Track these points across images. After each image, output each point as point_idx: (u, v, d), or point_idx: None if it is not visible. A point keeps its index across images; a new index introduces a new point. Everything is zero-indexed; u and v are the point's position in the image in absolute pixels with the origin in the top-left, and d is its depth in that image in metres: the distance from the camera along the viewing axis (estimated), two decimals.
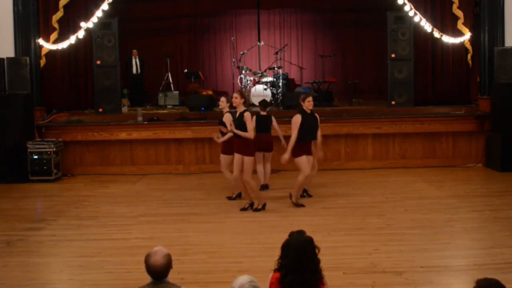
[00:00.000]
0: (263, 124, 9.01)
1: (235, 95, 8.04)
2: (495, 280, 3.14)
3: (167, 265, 3.59)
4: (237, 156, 7.99)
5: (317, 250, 3.56)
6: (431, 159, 11.46)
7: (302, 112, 8.07)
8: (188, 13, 15.42)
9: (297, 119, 8.02)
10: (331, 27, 15.50)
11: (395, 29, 11.89)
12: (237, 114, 7.98)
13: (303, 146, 8.05)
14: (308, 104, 8.05)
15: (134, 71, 13.90)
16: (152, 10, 14.93)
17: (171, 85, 14.23)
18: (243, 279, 3.24)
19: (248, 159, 7.89)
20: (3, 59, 10.97)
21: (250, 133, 7.83)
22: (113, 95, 11.94)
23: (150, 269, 3.57)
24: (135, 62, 13.88)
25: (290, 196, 8.42)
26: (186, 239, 6.92)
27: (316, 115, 8.28)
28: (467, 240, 6.75)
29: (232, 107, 8.37)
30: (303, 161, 8.04)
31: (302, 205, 8.28)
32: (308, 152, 8.13)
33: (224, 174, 8.72)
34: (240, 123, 7.87)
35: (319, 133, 8.32)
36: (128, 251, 6.46)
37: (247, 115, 7.85)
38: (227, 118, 8.32)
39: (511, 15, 11.45)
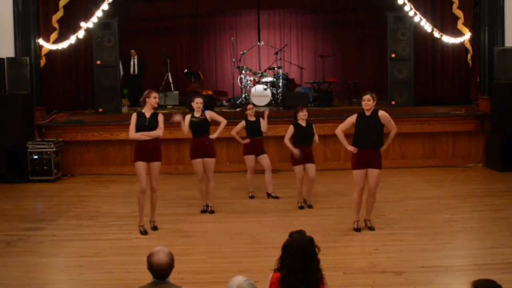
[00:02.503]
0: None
1: (154, 94, 7.24)
2: (492, 281, 3.14)
3: (171, 263, 3.59)
4: (154, 164, 7.16)
5: (317, 250, 3.57)
6: (431, 159, 11.48)
7: (360, 113, 6.97)
8: (188, 13, 15.44)
9: (349, 118, 7.07)
10: (331, 27, 15.50)
11: (395, 29, 11.89)
12: (149, 115, 7.19)
13: (356, 154, 6.84)
14: (363, 104, 6.91)
15: (131, 71, 13.88)
16: (152, 10, 14.94)
17: (171, 85, 14.23)
18: (239, 279, 3.23)
19: (159, 165, 7.25)
20: (3, 59, 10.98)
21: (161, 131, 7.18)
22: (113, 95, 11.94)
23: (155, 267, 3.55)
24: (133, 63, 13.87)
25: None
26: (186, 239, 6.92)
27: (380, 115, 6.85)
28: (467, 240, 6.74)
29: None
30: (354, 175, 6.88)
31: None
32: (365, 164, 6.77)
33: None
34: (154, 123, 7.18)
35: (392, 133, 6.99)
36: (128, 251, 6.46)
37: (160, 115, 7.26)
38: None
39: (511, 15, 11.47)
